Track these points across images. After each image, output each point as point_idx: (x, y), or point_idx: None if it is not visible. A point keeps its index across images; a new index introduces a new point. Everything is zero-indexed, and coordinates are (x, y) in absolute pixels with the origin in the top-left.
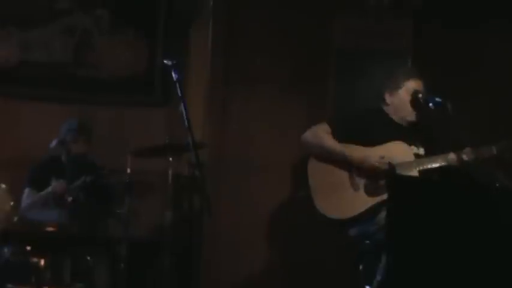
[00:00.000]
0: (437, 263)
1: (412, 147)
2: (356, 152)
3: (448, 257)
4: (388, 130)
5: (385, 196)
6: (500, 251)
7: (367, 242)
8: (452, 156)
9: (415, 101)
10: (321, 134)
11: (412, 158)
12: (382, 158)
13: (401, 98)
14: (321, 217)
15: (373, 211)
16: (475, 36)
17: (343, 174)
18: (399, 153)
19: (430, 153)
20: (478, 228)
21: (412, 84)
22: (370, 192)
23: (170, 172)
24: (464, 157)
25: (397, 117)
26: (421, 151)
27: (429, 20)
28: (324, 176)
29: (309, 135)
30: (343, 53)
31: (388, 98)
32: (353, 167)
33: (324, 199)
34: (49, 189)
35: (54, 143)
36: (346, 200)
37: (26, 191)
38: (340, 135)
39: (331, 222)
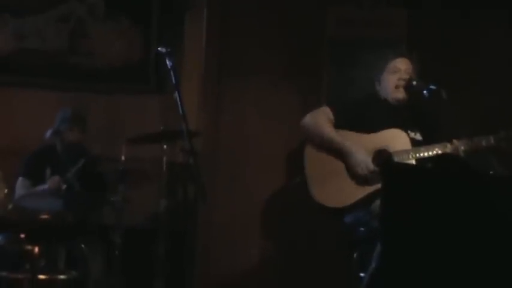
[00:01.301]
0: (432, 251)
1: (409, 132)
2: (354, 144)
3: (442, 244)
4: (385, 116)
5: (379, 185)
6: (495, 238)
7: (362, 229)
8: (449, 146)
9: (408, 88)
10: (321, 121)
11: (409, 145)
12: (373, 171)
13: (385, 80)
14: (316, 205)
15: (368, 199)
16: (470, 25)
17: (340, 162)
18: (396, 140)
19: (427, 138)
20: (472, 215)
21: (392, 64)
22: (368, 179)
23: (164, 160)
24: (462, 147)
25: (389, 99)
26: (418, 136)
27: (423, 9)
28: (320, 163)
29: (309, 121)
30: (337, 42)
31: (377, 85)
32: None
33: (319, 187)
34: (45, 187)
35: (49, 132)
36: (342, 188)
37: (20, 180)
38: (341, 121)
39: (327, 210)
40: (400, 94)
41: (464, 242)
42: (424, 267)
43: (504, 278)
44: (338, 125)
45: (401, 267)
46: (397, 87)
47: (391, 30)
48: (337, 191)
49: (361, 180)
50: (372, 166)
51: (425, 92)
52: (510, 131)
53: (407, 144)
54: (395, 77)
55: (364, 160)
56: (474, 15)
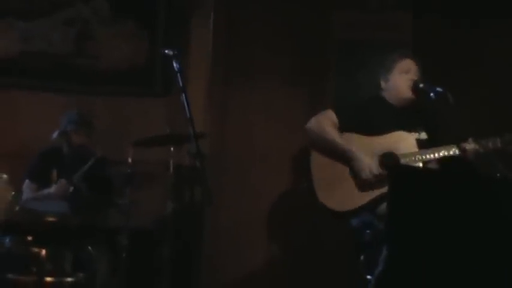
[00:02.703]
0: (438, 253)
1: (413, 133)
2: (359, 148)
3: (448, 247)
4: (389, 117)
5: (386, 188)
6: (501, 242)
7: (368, 232)
8: (455, 148)
9: (415, 90)
10: (326, 126)
11: (415, 148)
12: (379, 175)
13: (394, 79)
14: (323, 209)
15: (374, 202)
16: (476, 28)
17: (345, 166)
18: (403, 143)
19: (432, 138)
20: (478, 218)
21: (402, 63)
22: (372, 183)
23: (171, 162)
24: (468, 149)
25: (395, 100)
26: (423, 135)
27: (429, 12)
28: (326, 167)
29: (314, 125)
30: (344, 44)
31: (383, 84)
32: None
33: (325, 191)
34: (51, 189)
35: (55, 134)
36: (348, 191)
37: (26, 182)
38: (346, 124)
39: (333, 214)
40: (410, 94)
41: (470, 245)
42: (430, 270)
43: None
44: (343, 128)
45: (407, 269)
46: (409, 87)
47: (397, 33)
48: (344, 194)
49: (365, 184)
50: (376, 170)
51: (432, 94)
52: None
53: (413, 147)
54: (407, 77)
55: (368, 164)
56: (479, 19)
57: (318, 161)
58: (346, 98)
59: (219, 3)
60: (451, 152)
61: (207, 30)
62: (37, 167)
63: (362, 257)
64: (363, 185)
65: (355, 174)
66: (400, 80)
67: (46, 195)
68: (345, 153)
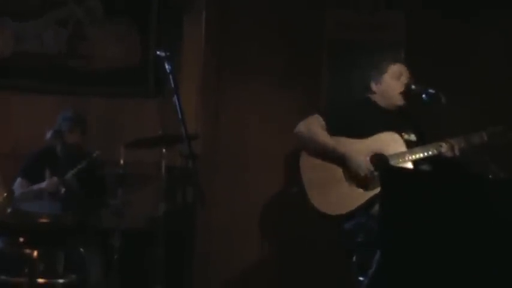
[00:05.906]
0: (430, 254)
1: (403, 134)
2: (349, 148)
3: (441, 247)
4: (378, 119)
5: (379, 189)
6: (493, 242)
7: (362, 234)
8: (444, 145)
9: (407, 92)
10: (315, 128)
11: (403, 148)
12: (372, 172)
13: (387, 83)
14: (316, 213)
15: (368, 204)
16: (469, 28)
17: (337, 168)
18: (391, 143)
19: (422, 139)
20: (470, 218)
21: (395, 68)
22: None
23: (163, 163)
24: (456, 145)
25: (385, 104)
26: (412, 137)
27: (422, 12)
28: (317, 170)
29: (302, 128)
30: (336, 44)
31: (374, 87)
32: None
33: (318, 194)
34: (42, 185)
35: (49, 132)
36: (341, 194)
37: (18, 180)
38: (333, 128)
39: (326, 218)
40: (402, 100)
41: (462, 245)
42: (423, 270)
43: (502, 281)
44: (331, 131)
45: (400, 270)
46: (401, 93)
47: (390, 34)
48: (338, 198)
49: (363, 182)
50: (372, 167)
51: (424, 95)
52: (498, 126)
53: (402, 147)
54: (399, 82)
55: (363, 161)
56: (473, 17)
57: (308, 165)
58: (339, 98)
59: (211, 4)
60: (440, 149)
61: (200, 30)
62: (30, 166)
63: (354, 258)
64: (360, 183)
65: (351, 175)
66: (392, 85)
67: (37, 191)
68: (337, 155)
